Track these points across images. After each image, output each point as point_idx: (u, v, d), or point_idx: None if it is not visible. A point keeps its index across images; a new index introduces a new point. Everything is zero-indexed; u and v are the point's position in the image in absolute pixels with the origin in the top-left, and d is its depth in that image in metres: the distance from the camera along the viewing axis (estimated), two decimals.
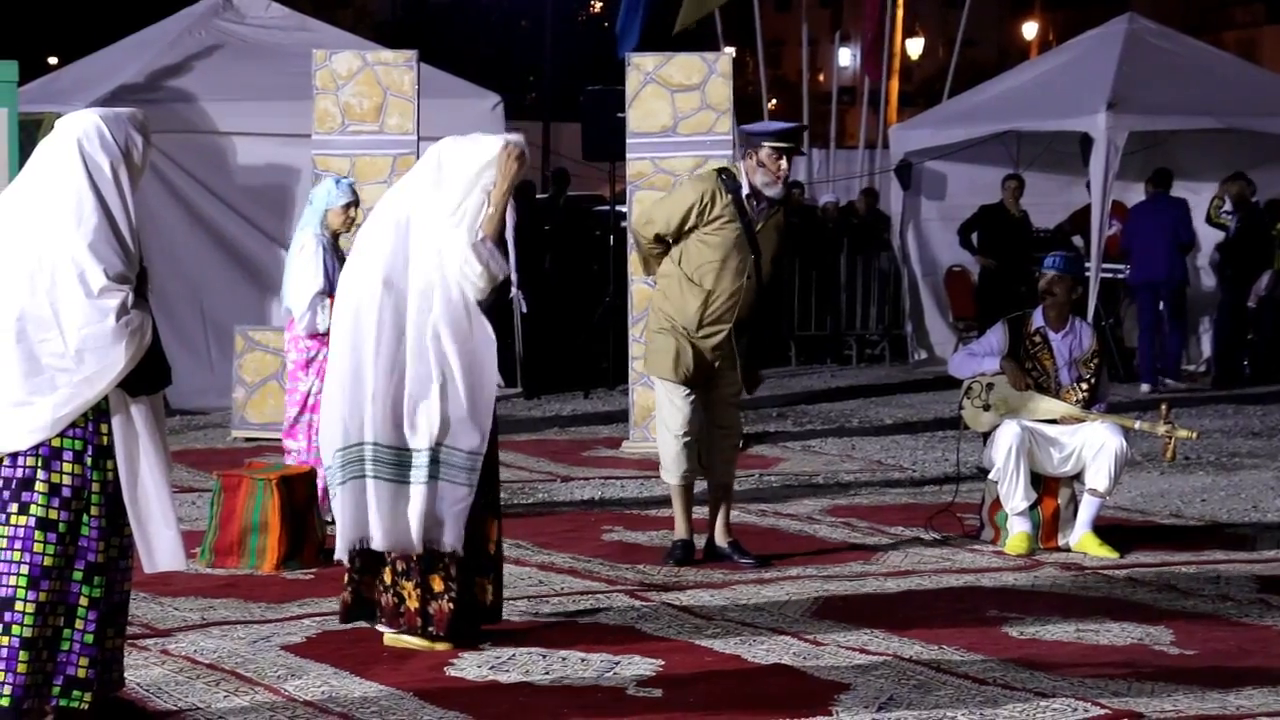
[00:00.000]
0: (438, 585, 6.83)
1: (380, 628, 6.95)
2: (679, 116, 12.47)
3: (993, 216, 17.39)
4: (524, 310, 14.90)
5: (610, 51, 21.82)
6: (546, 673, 6.63)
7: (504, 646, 6.93)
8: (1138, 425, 9.30)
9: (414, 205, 6.85)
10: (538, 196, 20.23)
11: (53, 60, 33.35)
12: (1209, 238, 17.46)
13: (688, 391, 8.54)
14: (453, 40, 40.44)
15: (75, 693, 5.50)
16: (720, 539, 8.73)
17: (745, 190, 8.48)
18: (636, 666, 6.71)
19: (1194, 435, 9.55)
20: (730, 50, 20.97)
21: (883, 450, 12.67)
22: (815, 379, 17.39)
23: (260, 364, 12.91)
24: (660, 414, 8.73)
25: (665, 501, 10.25)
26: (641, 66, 12.68)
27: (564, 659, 6.80)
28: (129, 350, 5.39)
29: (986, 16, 44.19)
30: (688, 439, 8.57)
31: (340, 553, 6.90)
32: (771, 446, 12.76)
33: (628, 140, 12.61)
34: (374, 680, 6.46)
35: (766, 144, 8.42)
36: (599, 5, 48.43)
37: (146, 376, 5.49)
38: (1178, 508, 10.49)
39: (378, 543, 6.78)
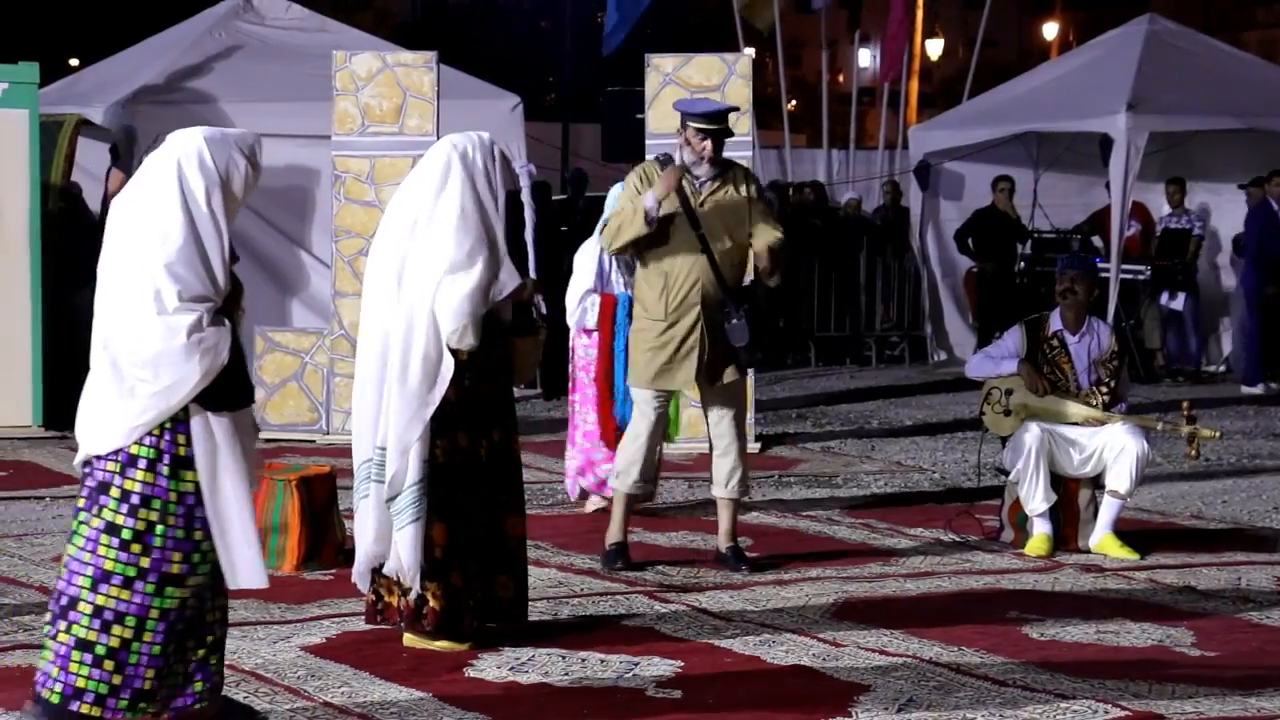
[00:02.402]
0: (458, 583, 6.84)
1: (403, 630, 6.97)
2: None
3: (985, 219, 17.41)
4: (543, 311, 14.88)
5: (626, 53, 21.81)
6: (566, 674, 6.63)
7: (523, 647, 6.93)
8: (1160, 426, 9.28)
9: (419, 209, 6.82)
10: (556, 198, 20.22)
11: (74, 62, 33.44)
12: (1228, 237, 17.46)
13: (656, 401, 8.46)
14: (472, 42, 40.46)
15: (141, 705, 5.48)
16: (721, 544, 8.61)
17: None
18: (656, 667, 6.71)
19: (1217, 435, 9.53)
20: (750, 51, 20.98)
21: (902, 451, 12.65)
22: (835, 380, 17.37)
23: (280, 365, 12.92)
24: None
25: (684, 504, 10.27)
26: (661, 67, 12.68)
27: (583, 660, 6.80)
28: (202, 366, 5.40)
29: (1007, 17, 44.10)
30: (643, 447, 8.45)
31: (356, 577, 6.94)
32: (791, 448, 12.75)
33: (647, 141, 12.61)
34: (394, 681, 6.47)
35: (691, 124, 8.38)
36: None
37: (224, 393, 5.49)
38: (1198, 509, 10.47)
39: (367, 549, 6.78)
